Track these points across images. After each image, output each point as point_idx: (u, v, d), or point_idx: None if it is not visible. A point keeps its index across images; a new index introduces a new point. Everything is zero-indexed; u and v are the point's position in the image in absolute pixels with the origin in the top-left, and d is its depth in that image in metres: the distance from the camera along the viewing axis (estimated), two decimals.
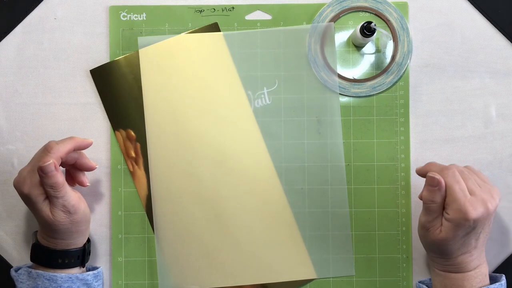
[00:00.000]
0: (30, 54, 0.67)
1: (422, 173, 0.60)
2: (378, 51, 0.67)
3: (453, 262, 0.57)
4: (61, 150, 0.57)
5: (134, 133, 0.66)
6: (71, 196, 0.58)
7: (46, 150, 0.57)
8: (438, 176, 0.56)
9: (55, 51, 0.67)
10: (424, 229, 0.58)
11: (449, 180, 0.56)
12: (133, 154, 0.66)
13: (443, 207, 0.56)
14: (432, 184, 0.56)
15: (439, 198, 0.56)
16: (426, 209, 0.57)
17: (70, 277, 0.59)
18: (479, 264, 0.58)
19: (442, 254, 0.57)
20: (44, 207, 0.57)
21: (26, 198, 0.57)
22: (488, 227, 0.57)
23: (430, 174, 0.56)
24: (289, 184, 0.66)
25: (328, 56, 0.67)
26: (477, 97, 0.67)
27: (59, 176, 0.56)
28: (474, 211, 0.54)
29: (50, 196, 0.57)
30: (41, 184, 0.56)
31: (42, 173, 0.55)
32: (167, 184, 0.66)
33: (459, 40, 0.67)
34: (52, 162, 0.55)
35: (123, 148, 0.66)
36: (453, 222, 0.55)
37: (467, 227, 0.54)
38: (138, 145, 0.66)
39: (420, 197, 0.59)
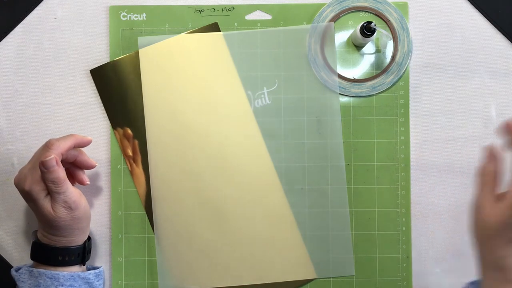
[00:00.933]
0: (30, 54, 0.67)
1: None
2: (378, 51, 0.67)
3: None
4: (62, 147, 0.58)
5: (132, 131, 0.66)
6: (72, 192, 0.58)
7: (46, 146, 0.57)
8: None
9: (55, 51, 0.67)
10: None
11: None
12: (130, 153, 0.66)
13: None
14: None
15: None
16: (484, 183, 0.51)
17: (72, 275, 0.59)
18: None
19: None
20: (46, 204, 0.57)
21: (27, 195, 0.57)
22: None
23: None
24: (289, 184, 0.66)
25: (328, 56, 0.67)
26: (477, 97, 0.67)
27: (61, 171, 0.56)
28: None
29: (51, 192, 0.57)
30: (42, 180, 0.57)
31: (43, 168, 0.56)
32: (167, 184, 0.66)
33: (459, 40, 0.67)
34: (53, 157, 0.56)
35: (121, 146, 0.66)
36: None
37: None
38: (136, 142, 0.66)
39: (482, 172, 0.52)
